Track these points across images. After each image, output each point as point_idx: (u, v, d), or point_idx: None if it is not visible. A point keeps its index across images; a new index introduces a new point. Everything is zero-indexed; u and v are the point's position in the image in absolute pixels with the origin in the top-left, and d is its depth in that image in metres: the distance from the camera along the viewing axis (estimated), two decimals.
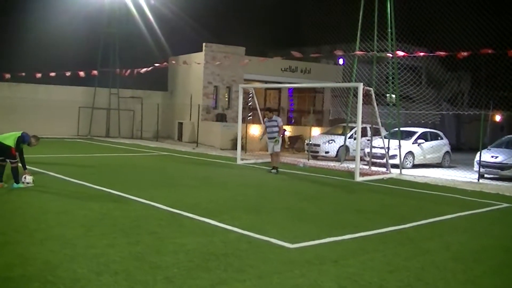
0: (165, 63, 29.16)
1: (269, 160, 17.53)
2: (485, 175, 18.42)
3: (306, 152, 23.42)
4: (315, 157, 22.98)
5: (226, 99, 30.42)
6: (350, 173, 16.86)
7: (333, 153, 22.86)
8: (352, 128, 22.49)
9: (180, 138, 30.49)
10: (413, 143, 21.13)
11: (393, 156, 19.54)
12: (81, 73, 26.37)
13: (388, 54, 20.07)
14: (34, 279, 5.50)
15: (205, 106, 29.21)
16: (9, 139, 11.21)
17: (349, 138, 22.44)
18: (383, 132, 20.20)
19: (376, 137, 20.72)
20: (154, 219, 8.60)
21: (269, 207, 10.47)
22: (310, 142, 22.92)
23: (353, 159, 19.48)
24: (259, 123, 21.49)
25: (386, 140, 19.25)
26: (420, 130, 22.09)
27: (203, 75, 29.24)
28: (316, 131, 26.77)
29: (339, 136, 23.20)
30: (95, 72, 27.96)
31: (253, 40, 33.34)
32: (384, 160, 18.87)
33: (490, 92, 23.33)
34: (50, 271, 5.72)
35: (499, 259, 7.41)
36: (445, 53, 18.48)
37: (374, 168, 19.06)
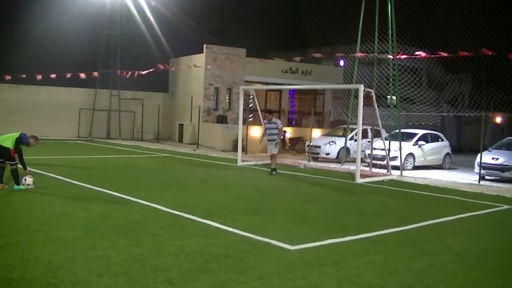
0: (166, 65, 29.14)
1: (269, 161, 17.52)
2: (486, 177, 18.41)
3: (306, 153, 23.42)
4: (316, 159, 22.99)
5: (227, 100, 30.43)
6: (351, 175, 16.86)
7: (333, 154, 22.85)
8: (352, 129, 22.47)
9: (180, 139, 30.50)
10: (413, 145, 21.12)
11: (394, 158, 19.54)
12: (82, 75, 26.40)
13: (388, 56, 20.07)
14: (35, 281, 5.50)
15: (205, 108, 29.23)
16: (8, 140, 11.16)
17: (349, 139, 22.43)
18: (384, 134, 20.20)
19: (377, 138, 20.72)
20: (155, 221, 8.60)
21: (269, 209, 10.47)
22: (311, 144, 22.92)
23: (353, 161, 19.49)
24: (260, 124, 21.50)
25: (386, 142, 19.25)
26: (420, 132, 22.09)
27: (203, 76, 29.26)
28: (316, 132, 26.77)
29: (339, 138, 23.20)
30: (95, 73, 27.98)
31: (254, 42, 33.36)
32: (385, 162, 18.87)
33: (490, 94, 23.33)
34: (51, 273, 5.73)
35: (500, 261, 7.40)
36: (445, 54, 18.47)
37: (374, 170, 19.06)
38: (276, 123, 16.54)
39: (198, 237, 7.70)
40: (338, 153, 22.71)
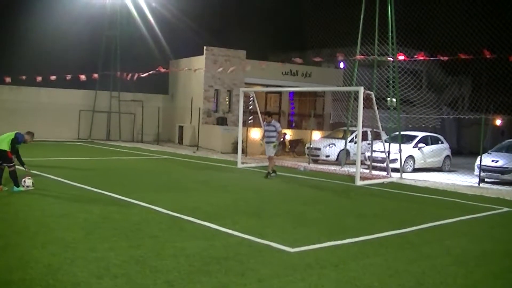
0: (167, 68, 29.15)
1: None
2: (486, 179, 18.42)
3: (306, 156, 23.41)
4: (316, 161, 22.98)
5: (227, 102, 30.44)
6: (351, 177, 16.86)
7: (333, 157, 22.85)
8: (352, 132, 22.48)
9: (180, 141, 30.51)
10: (413, 147, 21.13)
11: (394, 160, 19.54)
12: (82, 76, 26.39)
13: (388, 58, 20.08)
14: (35, 282, 5.51)
15: (205, 110, 29.23)
16: (3, 142, 11.09)
17: (349, 142, 22.43)
18: (384, 136, 20.21)
19: (377, 141, 20.72)
20: (155, 223, 8.60)
21: (269, 211, 10.46)
22: (311, 146, 22.92)
23: (353, 163, 19.50)
24: (260, 126, 21.48)
25: (386, 144, 19.25)
26: (420, 134, 22.09)
27: (203, 78, 29.26)
28: (316, 135, 26.78)
29: (339, 140, 23.20)
30: (95, 75, 27.99)
31: (254, 43, 33.38)
32: (385, 164, 18.87)
33: (490, 96, 23.33)
34: (50, 275, 5.73)
35: (500, 263, 7.40)
36: (446, 57, 18.49)
37: (374, 172, 19.07)
38: (275, 126, 16.46)
39: (198, 239, 7.70)
40: (338, 155, 22.71)
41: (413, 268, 6.78)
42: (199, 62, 29.25)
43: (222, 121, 28.94)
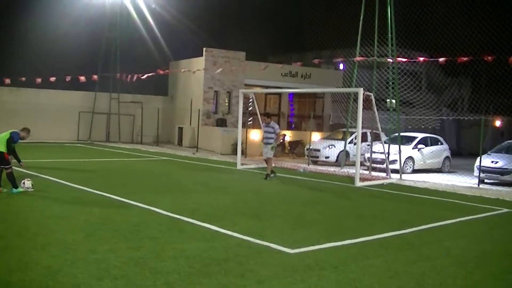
0: (167, 70, 29.17)
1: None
2: (485, 180, 18.44)
3: (306, 157, 23.42)
4: (315, 162, 22.99)
5: (227, 104, 30.44)
6: (350, 178, 16.87)
7: (333, 158, 22.85)
8: (352, 133, 22.51)
9: (180, 143, 30.50)
10: (413, 148, 21.14)
11: (393, 161, 19.54)
12: (82, 78, 26.40)
13: (388, 59, 20.10)
14: (34, 284, 5.51)
15: (205, 111, 29.24)
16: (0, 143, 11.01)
17: (349, 143, 22.45)
18: (383, 137, 20.22)
19: (376, 142, 20.73)
20: (155, 224, 8.60)
21: (269, 212, 10.46)
22: (310, 147, 22.93)
23: (353, 164, 19.51)
24: (259, 128, 21.49)
25: (386, 145, 19.26)
26: (420, 135, 22.10)
27: (203, 80, 29.27)
28: (316, 136, 26.78)
29: (339, 141, 23.21)
30: (95, 76, 27.99)
31: (253, 45, 33.40)
32: (384, 165, 18.88)
33: (490, 97, 23.34)
34: (50, 276, 5.73)
35: (499, 264, 7.41)
36: (445, 58, 18.50)
37: (374, 173, 19.07)
38: (273, 128, 16.40)
39: (198, 240, 7.70)
40: (337, 157, 22.72)
41: (413, 269, 6.79)
42: (198, 63, 29.26)
43: (221, 123, 28.94)
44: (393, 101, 19.92)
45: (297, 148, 27.10)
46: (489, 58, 16.76)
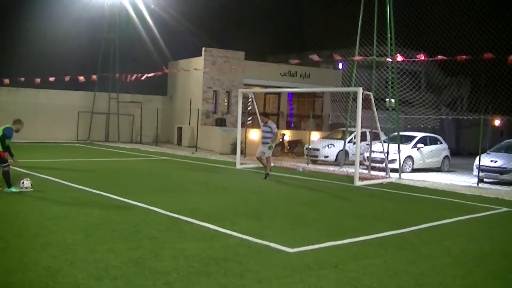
0: (165, 70, 29.14)
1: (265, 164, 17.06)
2: (485, 180, 18.46)
3: (305, 156, 23.43)
4: (315, 162, 22.99)
5: (226, 103, 30.44)
6: (350, 178, 16.87)
7: (332, 157, 22.86)
8: (351, 132, 22.52)
9: (179, 142, 30.50)
10: (412, 148, 21.15)
11: (393, 161, 19.55)
12: (81, 78, 26.38)
13: (387, 59, 20.10)
14: (34, 284, 5.51)
15: (204, 111, 29.23)
16: None
17: (348, 142, 22.46)
18: (383, 137, 20.23)
19: (376, 141, 20.74)
20: (154, 224, 8.60)
21: (268, 212, 10.47)
22: (310, 147, 22.93)
23: (352, 164, 19.50)
24: (259, 127, 21.49)
25: (385, 145, 19.27)
26: (419, 135, 22.12)
27: (202, 80, 29.27)
28: (315, 135, 26.78)
29: (338, 141, 23.21)
30: (94, 76, 27.97)
31: (253, 45, 33.38)
32: (384, 165, 18.89)
33: (489, 97, 23.34)
34: (50, 276, 5.73)
35: (498, 264, 7.41)
36: (444, 58, 18.50)
37: (373, 173, 19.08)
38: (270, 127, 16.34)
39: (197, 240, 7.70)
40: (337, 156, 22.72)
41: (412, 268, 6.79)
42: (198, 63, 29.25)
43: (221, 122, 28.94)
44: (392, 100, 19.92)
45: (296, 148, 27.11)
46: (489, 55, 16.74)
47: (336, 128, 26.89)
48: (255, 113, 21.14)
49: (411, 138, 21.73)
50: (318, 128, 31.81)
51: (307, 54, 23.91)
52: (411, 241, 8.42)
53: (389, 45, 19.79)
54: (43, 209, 9.52)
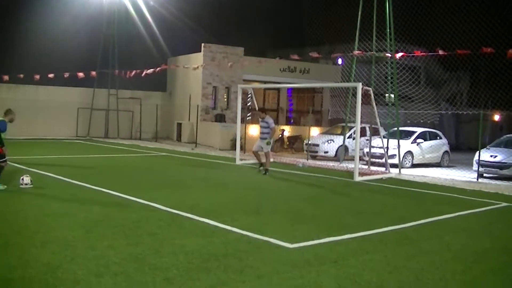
0: (165, 66, 29.11)
1: (265, 160, 17.02)
2: (484, 175, 18.46)
3: (305, 152, 23.43)
4: (314, 157, 23.00)
5: (225, 99, 30.43)
6: (349, 173, 16.87)
7: (332, 153, 22.87)
8: (351, 128, 22.51)
9: (179, 138, 30.50)
10: (412, 143, 21.16)
11: (392, 156, 19.55)
12: (80, 74, 26.37)
13: (387, 54, 20.08)
14: (34, 280, 5.51)
15: (204, 107, 29.23)
16: None
17: (348, 138, 22.45)
18: (382, 132, 20.22)
19: (375, 137, 20.73)
20: (154, 220, 8.60)
21: (268, 207, 10.47)
22: (309, 142, 22.93)
23: (352, 159, 19.49)
24: (258, 123, 21.50)
25: (385, 140, 19.27)
26: (419, 130, 22.12)
27: (202, 75, 29.24)
28: (315, 131, 26.78)
29: (338, 136, 23.21)
30: (94, 73, 27.95)
31: (252, 40, 33.35)
32: (383, 160, 18.89)
33: (489, 92, 23.34)
34: (50, 273, 5.73)
35: (498, 259, 7.42)
36: (444, 52, 18.48)
37: (373, 168, 19.07)
38: (267, 122, 16.33)
39: (197, 236, 7.70)
40: (336, 152, 22.73)
41: (412, 264, 6.79)
42: (197, 59, 29.23)
43: (220, 118, 28.95)
44: (392, 95, 19.90)
45: (296, 143, 27.12)
46: (488, 49, 16.71)
47: (335, 124, 26.90)
48: (255, 109, 21.12)
49: (410, 133, 21.73)
50: (317, 123, 31.83)
51: (307, 50, 23.92)
52: (411, 237, 8.43)
53: (388, 40, 19.76)
54: (42, 206, 9.51)
